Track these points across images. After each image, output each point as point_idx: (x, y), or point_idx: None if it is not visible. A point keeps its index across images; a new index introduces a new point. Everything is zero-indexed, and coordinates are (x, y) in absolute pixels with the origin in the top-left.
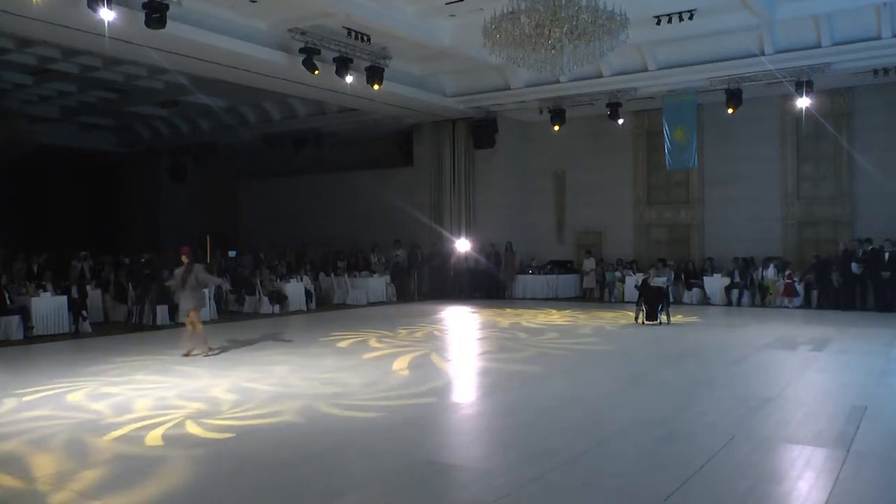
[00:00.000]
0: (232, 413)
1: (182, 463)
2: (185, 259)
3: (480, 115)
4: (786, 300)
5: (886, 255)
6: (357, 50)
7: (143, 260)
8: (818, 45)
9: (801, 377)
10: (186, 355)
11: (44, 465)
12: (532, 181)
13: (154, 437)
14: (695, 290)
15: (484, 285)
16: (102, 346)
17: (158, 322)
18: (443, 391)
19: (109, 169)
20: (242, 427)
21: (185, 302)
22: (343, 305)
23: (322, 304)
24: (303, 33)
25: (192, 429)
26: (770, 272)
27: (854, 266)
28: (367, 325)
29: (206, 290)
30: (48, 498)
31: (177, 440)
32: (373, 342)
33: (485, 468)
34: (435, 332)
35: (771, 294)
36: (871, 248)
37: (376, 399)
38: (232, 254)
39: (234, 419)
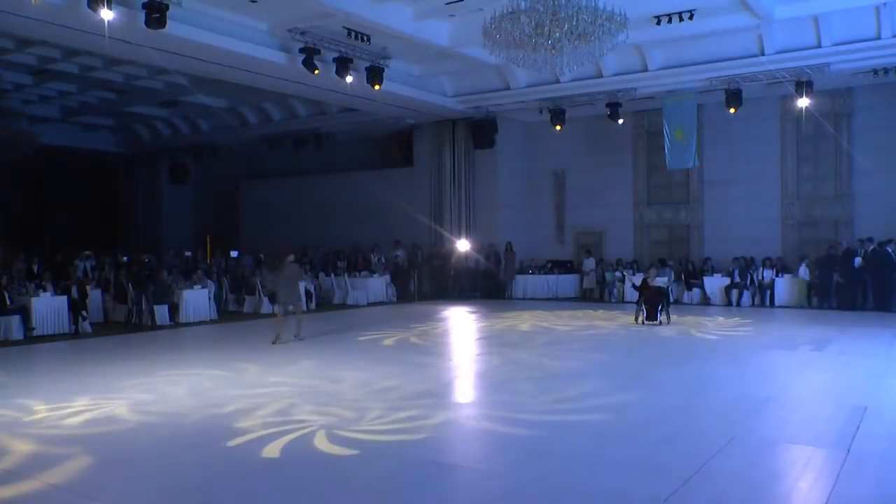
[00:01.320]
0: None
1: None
2: (290, 259)
3: (480, 115)
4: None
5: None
6: (357, 50)
7: (146, 260)
8: (818, 45)
9: (801, 377)
10: (298, 337)
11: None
12: (532, 181)
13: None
14: (695, 290)
15: (484, 286)
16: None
17: (158, 322)
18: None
19: (109, 169)
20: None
21: (286, 295)
22: (343, 306)
23: (321, 304)
24: (303, 33)
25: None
26: (769, 274)
27: (856, 260)
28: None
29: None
30: None
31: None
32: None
33: (484, 469)
34: (445, 331)
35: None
36: (872, 248)
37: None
38: (234, 254)
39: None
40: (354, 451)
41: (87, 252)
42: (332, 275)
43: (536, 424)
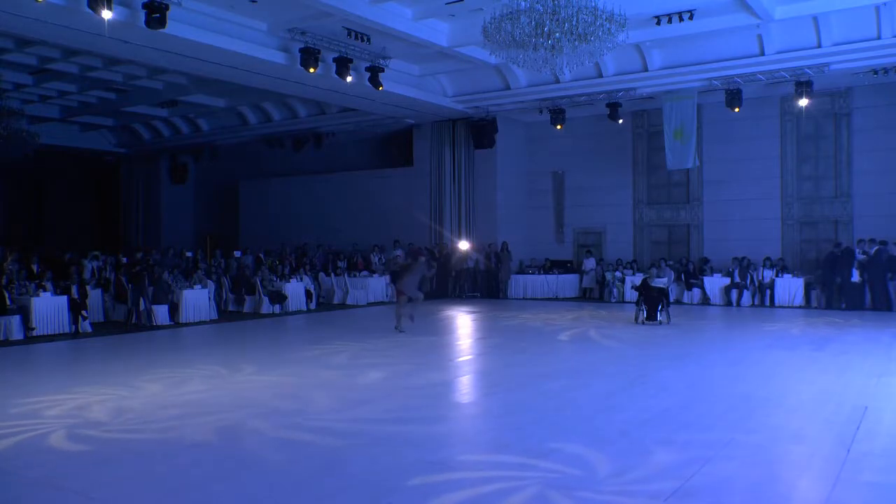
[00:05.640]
0: None
1: None
2: (422, 259)
3: (480, 115)
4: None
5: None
6: (357, 50)
7: (149, 260)
8: (818, 46)
9: (801, 377)
10: (410, 319)
11: None
12: (532, 181)
13: None
14: (695, 290)
15: (484, 286)
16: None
17: (158, 322)
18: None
19: (109, 169)
20: None
21: (412, 287)
22: (343, 305)
23: (321, 304)
24: (303, 33)
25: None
26: (769, 274)
27: (855, 274)
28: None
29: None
30: None
31: None
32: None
33: (484, 469)
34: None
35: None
36: (875, 248)
37: None
38: (237, 254)
39: None
40: None
41: (96, 253)
42: (333, 275)
43: (532, 426)
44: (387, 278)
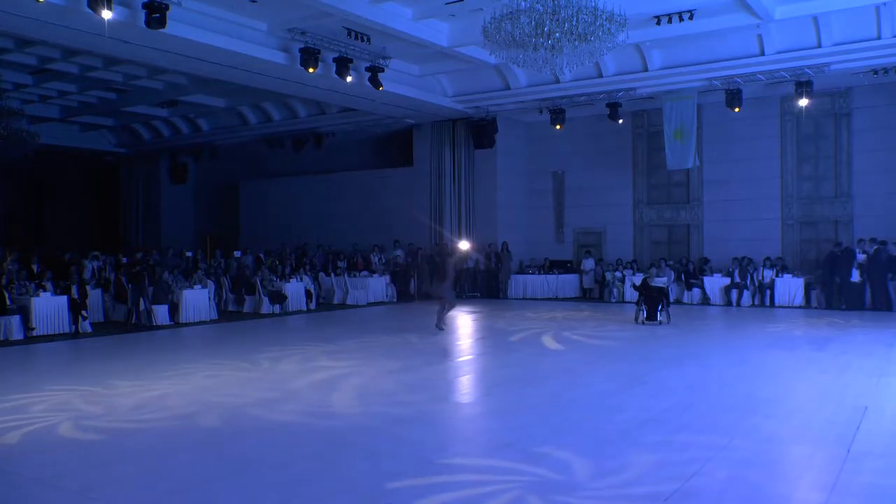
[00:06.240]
0: None
1: None
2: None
3: (480, 115)
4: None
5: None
6: (357, 50)
7: (149, 260)
8: (818, 46)
9: (801, 377)
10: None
11: None
12: (532, 181)
13: None
14: (695, 290)
15: (484, 286)
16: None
17: (158, 322)
18: None
19: (109, 169)
20: None
21: (449, 292)
22: (343, 305)
23: (321, 304)
24: (303, 33)
25: None
26: (769, 274)
27: (855, 274)
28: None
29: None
30: None
31: None
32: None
33: (483, 469)
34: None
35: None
36: (875, 248)
37: None
38: (237, 254)
39: None
40: None
41: (96, 253)
42: (333, 275)
43: (531, 427)
44: (387, 278)
